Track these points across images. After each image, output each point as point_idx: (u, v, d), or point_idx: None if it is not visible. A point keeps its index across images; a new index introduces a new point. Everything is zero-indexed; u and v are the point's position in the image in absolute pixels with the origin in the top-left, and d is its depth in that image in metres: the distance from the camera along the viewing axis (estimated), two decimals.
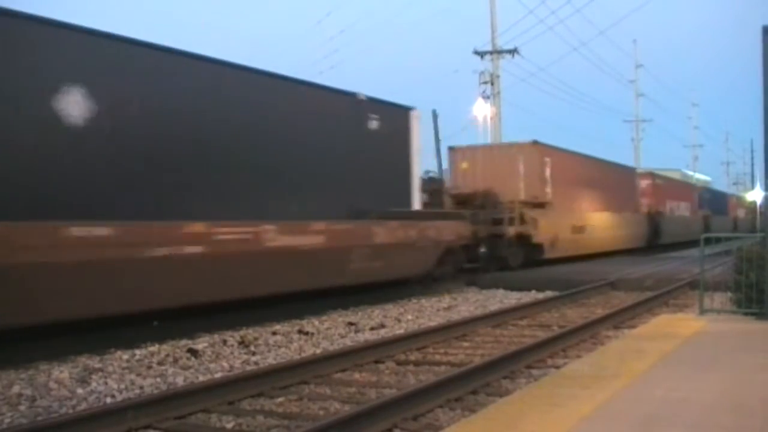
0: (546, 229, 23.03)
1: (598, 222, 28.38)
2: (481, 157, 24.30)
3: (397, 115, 17.25)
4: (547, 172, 24.29)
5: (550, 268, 22.10)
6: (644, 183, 36.75)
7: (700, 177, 73.66)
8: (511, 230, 21.80)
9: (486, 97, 32.66)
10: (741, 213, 67.20)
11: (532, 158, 23.85)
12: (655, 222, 36.09)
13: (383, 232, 15.86)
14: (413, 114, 17.72)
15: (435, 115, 23.34)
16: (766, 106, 9.51)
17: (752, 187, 70.60)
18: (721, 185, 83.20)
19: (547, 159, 24.44)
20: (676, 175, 54.12)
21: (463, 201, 21.71)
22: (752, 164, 73.59)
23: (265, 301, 13.20)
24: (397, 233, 16.35)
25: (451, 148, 25.02)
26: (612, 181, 31.02)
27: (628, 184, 34.17)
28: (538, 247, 22.87)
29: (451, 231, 18.55)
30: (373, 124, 16.22)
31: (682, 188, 45.94)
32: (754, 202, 67.11)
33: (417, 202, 17.66)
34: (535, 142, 24.12)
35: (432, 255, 17.85)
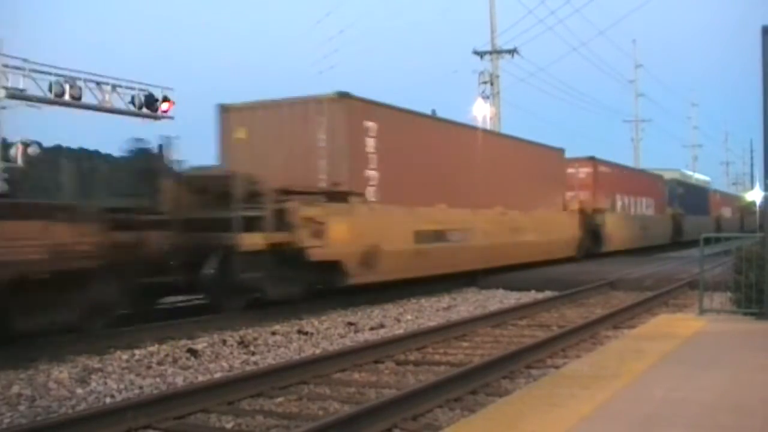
0: (348, 237, 14.52)
1: (479, 224, 19.45)
2: (262, 122, 15.89)
3: None
4: (370, 144, 15.87)
5: (550, 269, 22.05)
6: (582, 171, 28.53)
7: (699, 177, 73.58)
8: (252, 240, 12.87)
9: (485, 97, 32.64)
10: (726, 212, 59.06)
11: (340, 122, 15.32)
12: (593, 223, 27.71)
13: None
14: None
15: (434, 116, 23.16)
16: (765, 107, 9.52)
17: (751, 187, 70.55)
18: (721, 185, 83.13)
19: (370, 124, 15.92)
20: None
21: (204, 190, 13.51)
22: (752, 164, 73.56)
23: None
24: None
25: (221, 108, 16.49)
26: (516, 165, 22.40)
27: (551, 171, 25.16)
28: (334, 267, 14.32)
29: (17, 244, 9.57)
30: None
31: (641, 180, 36.58)
32: (753, 202, 66.73)
33: None
34: (345, 96, 15.37)
35: None
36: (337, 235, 14.24)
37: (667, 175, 44.74)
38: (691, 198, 44.31)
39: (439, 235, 17.71)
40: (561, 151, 26.46)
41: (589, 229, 27.42)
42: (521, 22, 49.39)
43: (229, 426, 6.75)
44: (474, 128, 21.75)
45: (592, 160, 29.36)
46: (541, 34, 48.10)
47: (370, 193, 15.86)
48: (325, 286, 14.89)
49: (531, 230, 22.20)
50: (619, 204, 31.53)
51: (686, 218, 40.91)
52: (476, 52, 33.05)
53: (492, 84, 32.74)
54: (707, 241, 11.59)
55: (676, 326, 9.55)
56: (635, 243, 31.83)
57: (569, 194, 27.07)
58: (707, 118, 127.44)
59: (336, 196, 14.87)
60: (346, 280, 14.57)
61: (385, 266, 15.41)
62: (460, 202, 18.89)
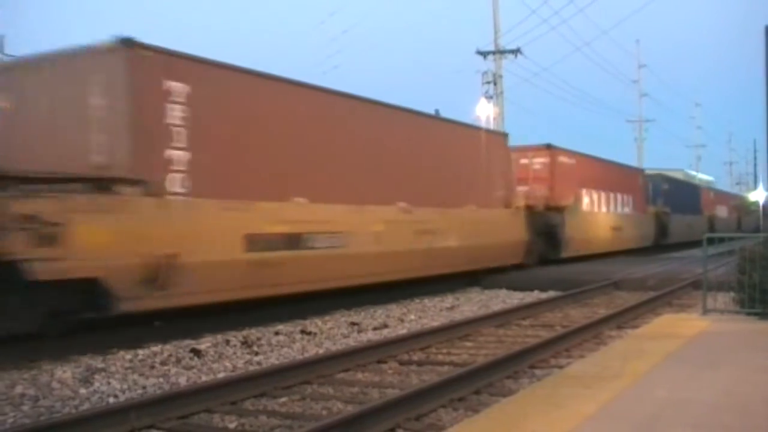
0: (112, 245, 10.13)
1: (366, 225, 15.02)
2: (28, 85, 11.92)
3: None
4: (176, 113, 11.43)
5: (552, 269, 22.04)
6: (537, 162, 24.39)
7: (703, 177, 73.51)
8: None
9: (489, 97, 32.59)
10: (721, 212, 54.60)
11: (122, 81, 11.00)
12: (548, 224, 23.62)
13: None
14: None
15: (437, 115, 23.07)
16: None
17: (755, 187, 70.40)
18: (724, 185, 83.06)
19: (177, 86, 11.51)
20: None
21: None
22: (755, 164, 73.42)
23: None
24: None
25: None
26: (432, 150, 17.91)
27: (488, 159, 20.16)
28: (92, 288, 9.97)
29: None
30: None
31: (616, 174, 31.62)
32: (755, 202, 66.40)
33: None
34: (130, 44, 10.94)
35: None
36: (90, 242, 9.86)
37: (671, 176, 42.75)
38: (678, 195, 39.88)
39: (292, 241, 13.14)
40: (503, 135, 21.81)
41: (543, 231, 23.26)
42: (525, 22, 49.25)
43: (232, 426, 6.76)
44: (362, 100, 15.91)
45: (548, 149, 24.92)
46: (544, 34, 48.04)
47: (175, 181, 11.36)
48: (91, 313, 10.46)
49: (452, 233, 17.83)
50: (585, 200, 27.28)
51: (672, 218, 37.13)
52: (479, 52, 33.02)
53: (495, 84, 32.69)
54: (710, 241, 11.59)
55: (680, 326, 9.54)
56: (605, 246, 27.99)
57: (522, 189, 22.91)
58: (711, 118, 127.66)
59: (100, 185, 10.53)
60: (117, 305, 10.15)
61: (191, 285, 11.09)
62: (333, 196, 14.30)
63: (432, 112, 19.63)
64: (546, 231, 23.37)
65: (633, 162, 47.23)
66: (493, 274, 19.93)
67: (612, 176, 30.52)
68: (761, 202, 59.28)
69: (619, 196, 30.85)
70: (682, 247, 35.39)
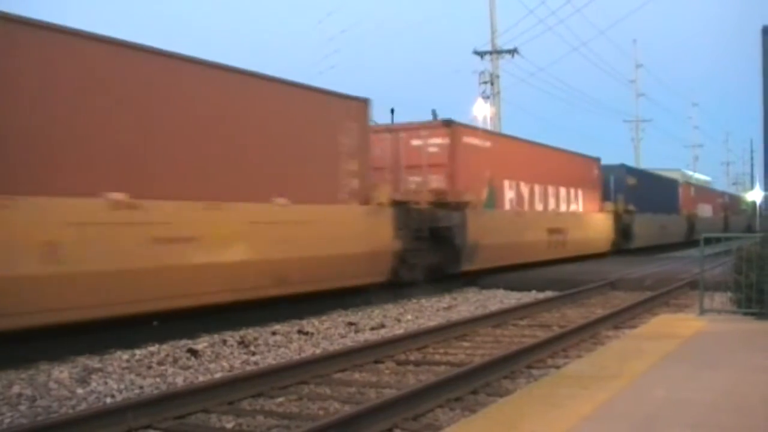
0: None
1: (23, 230, 8.99)
2: None
3: None
4: None
5: (551, 269, 22.05)
6: (433, 144, 18.56)
7: (700, 177, 73.55)
8: None
9: (486, 97, 32.62)
10: (705, 211, 47.73)
11: None
12: (439, 227, 17.52)
13: None
14: None
15: (435, 115, 23.02)
16: (765, 106, 9.53)
17: (752, 187, 70.53)
18: (722, 185, 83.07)
19: None
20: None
21: None
22: (752, 164, 73.56)
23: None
24: None
25: None
26: (196, 113, 11.65)
27: (326, 135, 14.41)
28: None
29: None
30: None
31: (559, 162, 25.08)
32: (752, 202, 66.49)
33: None
34: None
35: None
36: None
37: (641, 169, 38.66)
38: (648, 191, 33.13)
39: None
40: (360, 102, 15.44)
41: (430, 236, 17.36)
42: (522, 22, 49.34)
43: (229, 426, 6.75)
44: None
45: (447, 126, 18.78)
46: (541, 34, 48.07)
47: None
48: None
49: (237, 240, 12.11)
50: (509, 195, 21.25)
51: (638, 217, 31.00)
52: (476, 52, 33.05)
53: (492, 84, 32.72)
54: (707, 241, 11.61)
55: (677, 326, 9.55)
56: (537, 254, 22.17)
57: (414, 179, 18.27)
58: (708, 118, 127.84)
59: None
60: None
61: None
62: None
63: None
64: (437, 235, 17.55)
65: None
66: (492, 275, 19.83)
67: (552, 165, 24.23)
68: (758, 201, 59.32)
69: (562, 191, 24.92)
70: (651, 252, 32.11)
